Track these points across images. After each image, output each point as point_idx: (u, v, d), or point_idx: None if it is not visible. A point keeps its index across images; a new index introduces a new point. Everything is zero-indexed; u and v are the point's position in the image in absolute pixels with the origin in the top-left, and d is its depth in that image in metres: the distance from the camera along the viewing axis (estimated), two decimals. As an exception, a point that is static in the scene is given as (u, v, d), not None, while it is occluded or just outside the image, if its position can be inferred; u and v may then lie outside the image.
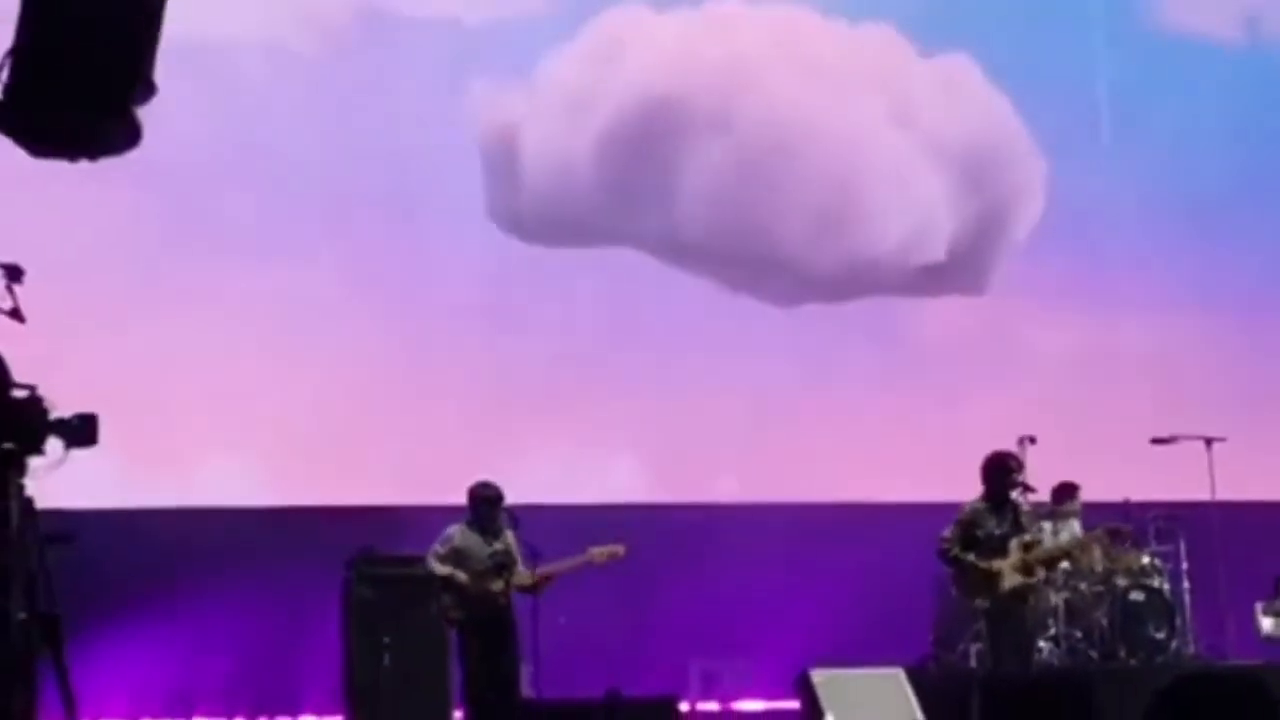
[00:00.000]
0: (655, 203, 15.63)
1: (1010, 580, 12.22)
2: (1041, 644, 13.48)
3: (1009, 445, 13.00)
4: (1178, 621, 14.04)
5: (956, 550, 12.26)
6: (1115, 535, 13.73)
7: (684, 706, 13.06)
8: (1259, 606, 14.53)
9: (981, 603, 12.43)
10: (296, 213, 14.84)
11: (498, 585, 12.04)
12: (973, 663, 13.69)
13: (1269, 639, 14.47)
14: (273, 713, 13.97)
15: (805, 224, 15.92)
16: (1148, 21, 16.92)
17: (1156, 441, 14.49)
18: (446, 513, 12.44)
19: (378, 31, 15.31)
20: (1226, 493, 14.33)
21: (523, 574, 12.06)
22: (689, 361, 15.58)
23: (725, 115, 15.82)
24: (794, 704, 12.96)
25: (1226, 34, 16.99)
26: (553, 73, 15.65)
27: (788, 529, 14.93)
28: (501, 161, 15.48)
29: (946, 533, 12.32)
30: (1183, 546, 14.40)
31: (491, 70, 15.46)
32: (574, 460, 14.94)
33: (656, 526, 14.13)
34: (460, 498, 12.30)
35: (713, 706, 14.70)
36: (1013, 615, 12.39)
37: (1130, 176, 16.64)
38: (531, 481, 13.53)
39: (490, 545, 12.12)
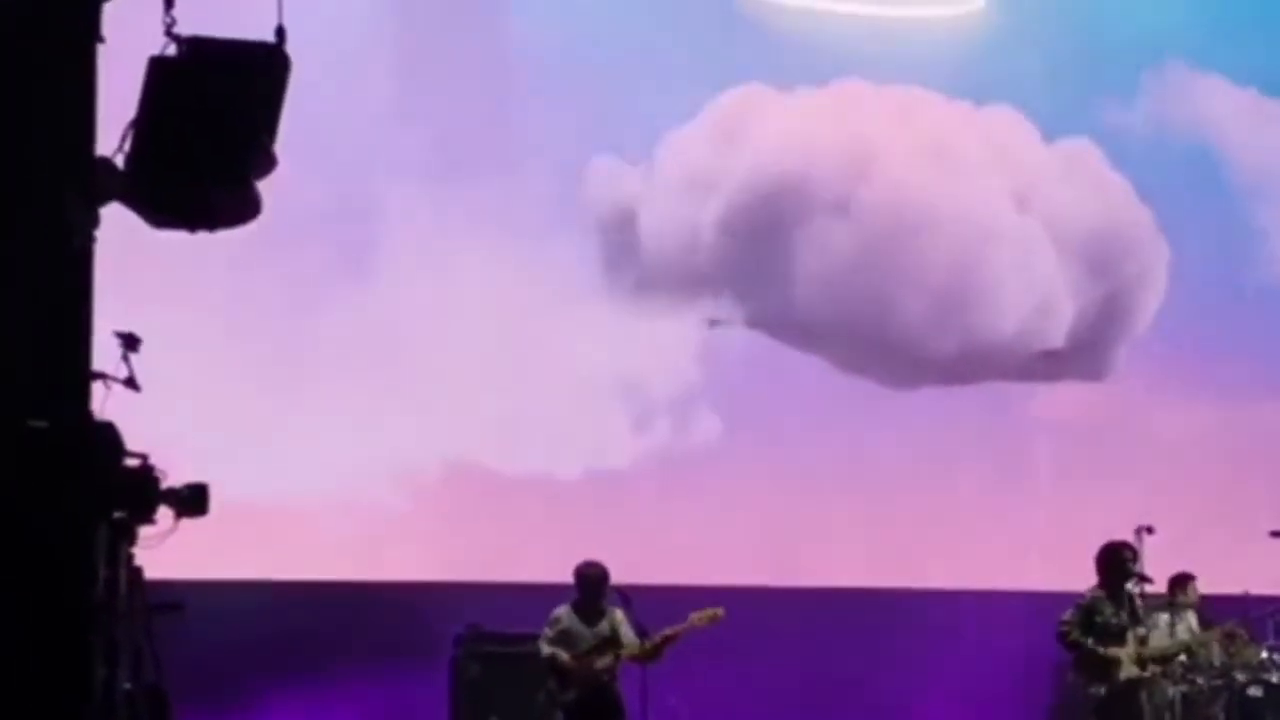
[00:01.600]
0: (774, 282, 15.60)
1: (1128, 670, 12.13)
2: (1157, 737, 13.31)
3: (1126, 534, 12.85)
4: (1295, 719, 13.84)
5: (1076, 634, 12.18)
6: (1231, 637, 13.56)
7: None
8: None
9: (1097, 689, 12.25)
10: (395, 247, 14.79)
11: (603, 663, 12.01)
12: (1087, 751, 13.49)
13: None
14: (380, 791, 13.97)
15: (924, 306, 15.85)
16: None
17: (1276, 534, 14.33)
18: (554, 591, 12.42)
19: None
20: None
21: (631, 646, 12.04)
22: (802, 441, 15.52)
23: (846, 196, 15.80)
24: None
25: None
26: (674, 151, 15.68)
27: (904, 613, 14.87)
28: (620, 239, 15.49)
29: (1067, 616, 12.23)
30: (1302, 643, 14.21)
31: (613, 147, 15.50)
32: (683, 540, 14.87)
33: (767, 609, 14.10)
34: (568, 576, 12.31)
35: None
36: (1128, 707, 12.25)
37: (1252, 262, 16.51)
38: (640, 561, 13.46)
39: (596, 624, 12.11)
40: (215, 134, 6.74)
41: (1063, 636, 12.24)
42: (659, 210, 15.52)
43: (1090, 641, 12.14)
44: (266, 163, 6.94)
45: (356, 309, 14.26)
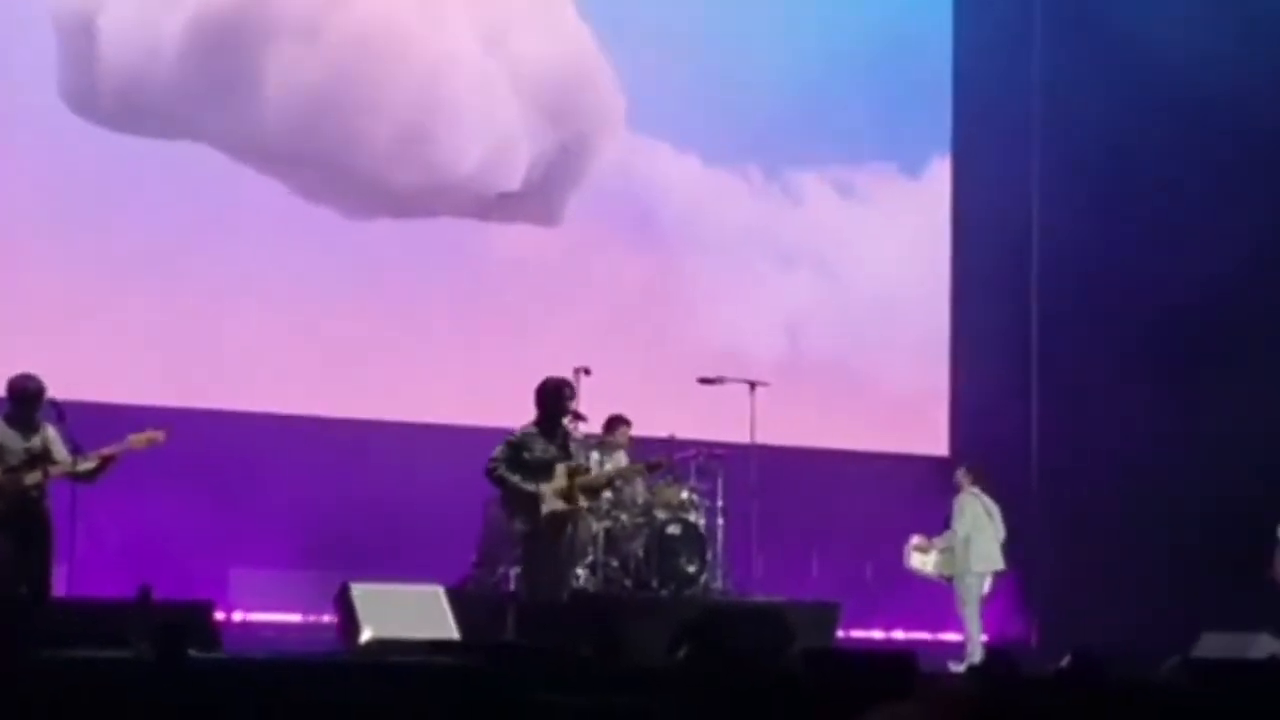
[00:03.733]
0: (237, 101, 15.39)
1: (551, 505, 12.38)
2: (580, 571, 13.75)
3: (567, 374, 13.22)
4: (709, 556, 14.53)
5: (503, 470, 12.38)
6: (653, 468, 14.07)
7: (221, 615, 12.99)
8: (913, 540, 15.16)
9: (523, 525, 12.52)
10: None
11: (32, 478, 11.75)
12: (511, 585, 13.89)
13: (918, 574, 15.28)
14: None
15: (385, 139, 15.92)
16: None
17: (704, 381, 14.95)
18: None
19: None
20: (765, 437, 14.84)
21: (64, 462, 11.80)
22: (253, 266, 15.40)
23: (315, 20, 15.67)
24: (334, 617, 13.04)
25: None
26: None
27: (341, 443, 15.01)
28: (78, 39, 15.02)
29: (496, 453, 12.41)
30: (720, 485, 14.84)
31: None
32: (122, 358, 14.66)
33: (208, 433, 14.06)
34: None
35: (252, 617, 14.66)
36: (552, 540, 12.55)
37: (703, 121, 17.08)
38: (80, 377, 13.23)
39: (28, 440, 11.84)
40: None
41: (491, 473, 12.40)
42: (121, 15, 15.12)
43: (516, 478, 12.42)
44: None
45: None
